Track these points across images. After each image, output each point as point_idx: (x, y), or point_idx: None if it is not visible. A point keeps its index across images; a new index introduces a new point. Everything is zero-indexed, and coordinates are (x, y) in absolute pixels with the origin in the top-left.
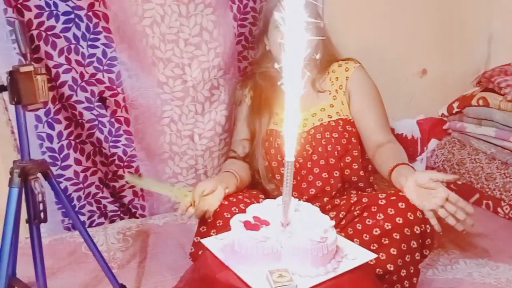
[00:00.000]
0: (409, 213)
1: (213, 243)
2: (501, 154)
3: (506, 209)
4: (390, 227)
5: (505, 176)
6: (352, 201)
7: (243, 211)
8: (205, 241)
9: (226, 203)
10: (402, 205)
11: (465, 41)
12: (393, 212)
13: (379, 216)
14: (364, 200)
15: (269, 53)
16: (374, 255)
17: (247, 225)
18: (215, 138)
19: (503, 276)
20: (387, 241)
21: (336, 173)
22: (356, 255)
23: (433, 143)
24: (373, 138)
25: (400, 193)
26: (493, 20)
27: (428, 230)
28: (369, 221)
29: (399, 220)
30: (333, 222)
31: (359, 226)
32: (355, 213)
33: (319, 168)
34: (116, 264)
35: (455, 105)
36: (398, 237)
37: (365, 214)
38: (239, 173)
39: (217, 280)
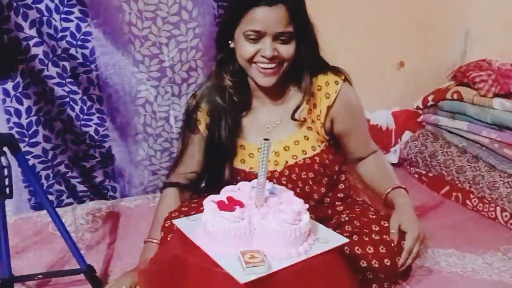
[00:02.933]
0: (398, 257)
1: (185, 224)
2: (472, 148)
3: (475, 201)
4: (377, 265)
5: (475, 169)
6: (342, 219)
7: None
8: (177, 222)
9: (175, 214)
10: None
11: (443, 36)
12: (384, 251)
13: (369, 249)
14: (356, 223)
15: (233, 54)
16: (346, 240)
17: (221, 206)
18: None
19: (469, 265)
20: (371, 276)
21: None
22: (328, 239)
23: (407, 135)
24: (357, 154)
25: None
26: (469, 16)
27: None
28: (357, 250)
29: (387, 262)
30: (306, 206)
31: (346, 249)
32: (345, 234)
33: None
34: (84, 245)
35: (430, 98)
36: (383, 277)
37: (355, 238)
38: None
39: (188, 260)
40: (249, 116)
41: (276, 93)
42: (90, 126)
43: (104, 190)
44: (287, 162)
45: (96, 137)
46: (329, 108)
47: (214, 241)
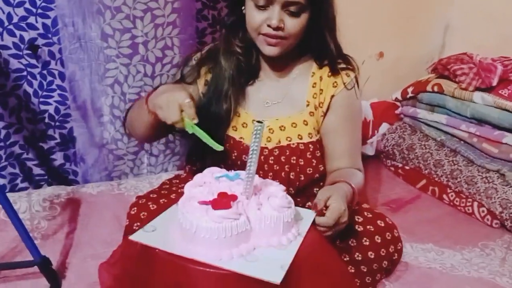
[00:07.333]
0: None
1: (145, 237)
2: (450, 142)
3: (452, 196)
4: (373, 256)
5: (453, 163)
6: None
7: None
8: (136, 237)
9: (143, 201)
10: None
11: (422, 28)
12: (379, 240)
13: (371, 255)
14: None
15: (244, 20)
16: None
17: (216, 204)
18: None
19: (448, 261)
20: (365, 269)
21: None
22: (302, 215)
23: (384, 127)
24: (336, 164)
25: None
26: (450, 9)
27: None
28: (352, 242)
29: (383, 252)
30: (283, 187)
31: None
32: None
33: None
34: (39, 234)
35: (409, 90)
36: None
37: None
38: None
39: (158, 256)
40: (254, 86)
41: (281, 69)
42: (49, 104)
43: (64, 174)
44: (279, 141)
45: (56, 116)
46: (332, 97)
47: (203, 247)
